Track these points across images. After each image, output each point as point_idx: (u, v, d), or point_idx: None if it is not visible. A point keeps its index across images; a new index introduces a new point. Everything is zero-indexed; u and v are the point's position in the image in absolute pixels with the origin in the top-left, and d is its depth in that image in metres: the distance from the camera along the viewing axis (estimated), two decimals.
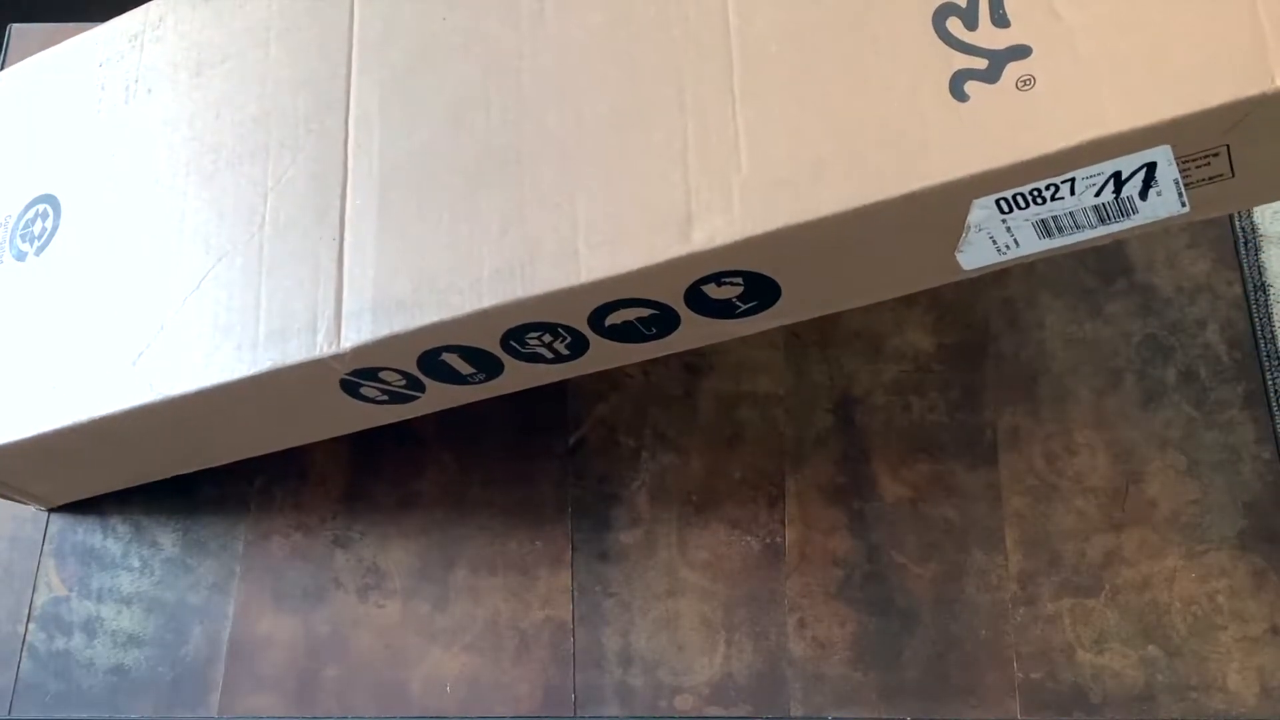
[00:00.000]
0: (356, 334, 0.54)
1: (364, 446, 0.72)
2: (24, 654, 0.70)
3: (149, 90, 0.64)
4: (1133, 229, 0.47)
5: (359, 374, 0.57)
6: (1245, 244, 0.73)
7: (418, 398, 0.60)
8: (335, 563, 0.70)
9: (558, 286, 0.51)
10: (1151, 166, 0.44)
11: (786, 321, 0.54)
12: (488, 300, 0.52)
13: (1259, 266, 0.73)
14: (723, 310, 0.53)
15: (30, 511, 0.73)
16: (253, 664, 0.68)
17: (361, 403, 0.60)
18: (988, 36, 0.45)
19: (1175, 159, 0.44)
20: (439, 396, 0.60)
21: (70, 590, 0.71)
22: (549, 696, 0.66)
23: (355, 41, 0.59)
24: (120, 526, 0.72)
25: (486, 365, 0.57)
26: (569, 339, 0.55)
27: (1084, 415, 0.70)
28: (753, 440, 0.71)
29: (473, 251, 0.53)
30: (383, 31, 0.58)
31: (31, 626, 0.70)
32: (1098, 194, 0.45)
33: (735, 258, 0.49)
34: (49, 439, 0.62)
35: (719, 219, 0.48)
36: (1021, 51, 0.45)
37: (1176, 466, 0.68)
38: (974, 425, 0.70)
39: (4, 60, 0.84)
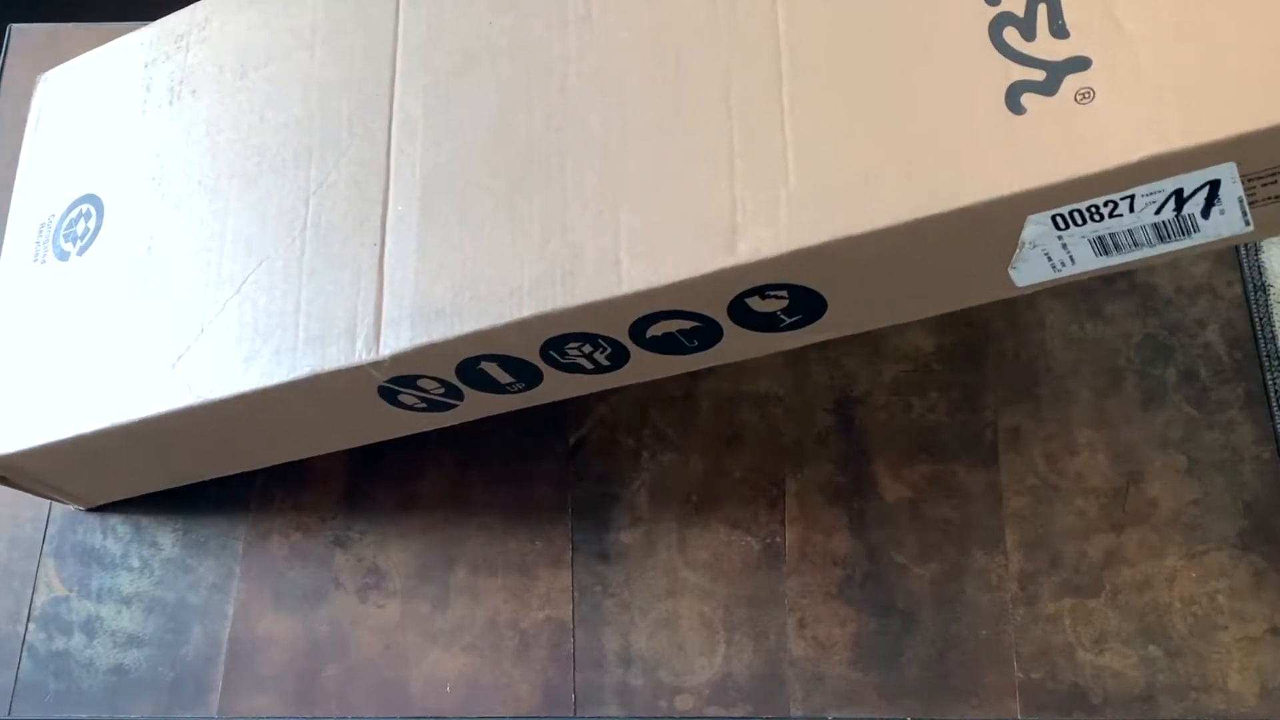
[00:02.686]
0: (396, 341, 0.54)
1: (364, 446, 0.71)
2: (24, 654, 0.70)
3: (193, 91, 0.64)
4: (1193, 248, 0.45)
5: (398, 381, 0.56)
6: (1245, 244, 0.73)
7: (456, 406, 0.60)
8: (335, 563, 0.70)
9: (598, 297, 0.50)
10: (1215, 184, 0.42)
11: (831, 336, 0.53)
12: (528, 309, 0.51)
13: (1259, 266, 0.73)
14: (767, 323, 0.52)
15: (30, 512, 0.73)
16: (253, 664, 0.68)
17: (400, 410, 0.60)
18: (1046, 47, 0.44)
19: (1240, 176, 0.42)
20: (478, 405, 0.60)
21: (70, 590, 0.71)
22: (549, 696, 0.66)
23: (399, 45, 0.58)
24: (120, 526, 0.72)
25: (526, 375, 0.57)
26: (609, 350, 0.54)
27: (1084, 415, 0.70)
28: (753, 440, 0.71)
29: (514, 259, 0.52)
30: (427, 35, 0.58)
31: (31, 626, 0.70)
32: (1158, 211, 0.43)
33: (781, 271, 0.48)
34: (87, 440, 0.61)
35: (765, 230, 0.47)
36: (1081, 63, 0.43)
37: (1176, 466, 0.68)
38: (974, 425, 0.70)
39: (4, 60, 0.84)
